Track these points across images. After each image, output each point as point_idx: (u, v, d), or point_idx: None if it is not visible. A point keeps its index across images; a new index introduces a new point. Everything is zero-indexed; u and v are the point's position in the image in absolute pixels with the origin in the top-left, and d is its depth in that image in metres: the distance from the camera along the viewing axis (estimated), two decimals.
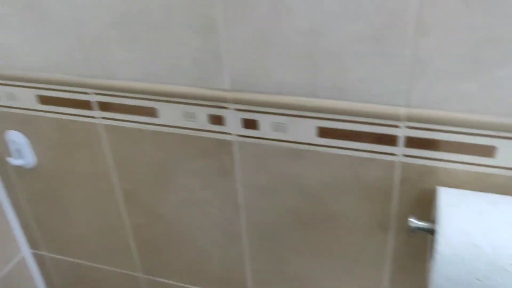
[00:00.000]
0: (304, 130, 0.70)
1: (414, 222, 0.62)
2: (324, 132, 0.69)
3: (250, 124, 0.73)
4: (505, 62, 0.55)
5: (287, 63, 0.65)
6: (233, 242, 0.89)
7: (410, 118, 0.63)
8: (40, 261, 1.15)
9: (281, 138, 0.73)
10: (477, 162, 0.63)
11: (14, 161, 0.94)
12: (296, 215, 0.80)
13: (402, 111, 0.63)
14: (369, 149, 0.68)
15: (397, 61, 0.59)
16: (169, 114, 0.77)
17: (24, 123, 0.90)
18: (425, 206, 0.69)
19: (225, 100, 0.72)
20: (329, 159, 0.71)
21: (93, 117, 0.83)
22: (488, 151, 0.62)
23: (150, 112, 0.79)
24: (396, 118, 0.64)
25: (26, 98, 0.85)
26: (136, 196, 0.91)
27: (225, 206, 0.85)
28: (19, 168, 0.98)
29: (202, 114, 0.75)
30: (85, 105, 0.82)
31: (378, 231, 0.76)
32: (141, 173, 0.87)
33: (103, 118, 0.83)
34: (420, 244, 0.74)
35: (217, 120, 0.75)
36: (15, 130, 0.91)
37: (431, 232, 0.61)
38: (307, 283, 0.88)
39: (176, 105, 0.76)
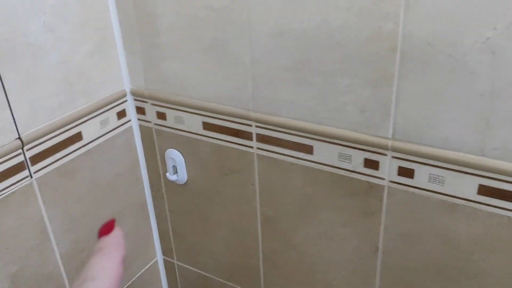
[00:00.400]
0: (464, 186, 0.70)
1: None
2: (485, 190, 0.68)
3: (405, 172, 0.74)
4: None
5: (458, 121, 0.66)
6: (364, 283, 0.89)
7: None
8: (170, 268, 1.23)
9: (437, 190, 0.73)
10: None
11: (170, 176, 1.03)
12: (438, 266, 0.79)
13: None
14: None
15: None
16: (324, 153, 0.81)
17: (185, 144, 0.98)
18: None
19: (385, 148, 0.74)
20: (486, 217, 0.70)
21: (250, 146, 0.89)
22: None
23: (306, 149, 0.82)
24: None
25: (193, 123, 0.94)
26: (275, 223, 0.95)
27: (363, 246, 0.86)
28: (170, 182, 1.07)
29: (358, 157, 0.77)
30: (245, 135, 0.88)
31: None
32: (285, 203, 0.91)
33: (259, 148, 0.88)
34: None
35: (372, 164, 0.77)
36: (175, 149, 1.00)
37: None
38: None
39: (333, 145, 0.79)
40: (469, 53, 0.61)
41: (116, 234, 0.29)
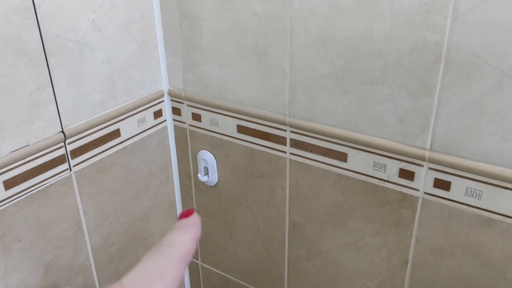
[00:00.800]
0: (503, 201, 0.68)
1: None
2: None
3: (441, 184, 0.73)
4: None
5: (501, 134, 0.64)
6: None
7: None
8: (194, 269, 1.23)
9: (473, 204, 0.71)
10: None
11: (201, 177, 1.02)
12: (469, 283, 0.77)
13: None
14: None
15: None
16: (359, 161, 0.79)
17: (218, 146, 0.98)
18: None
19: (422, 158, 0.72)
20: None
21: (283, 151, 0.88)
22: None
23: (340, 157, 0.81)
24: None
25: (228, 125, 0.93)
26: (302, 230, 0.94)
27: (392, 258, 0.84)
28: (200, 183, 1.06)
29: (393, 167, 0.76)
30: (279, 140, 0.88)
31: None
32: (314, 210, 0.90)
33: (292, 154, 0.88)
34: None
35: (407, 174, 0.75)
36: (208, 150, 1.00)
37: None
38: None
39: (368, 154, 0.78)
40: None
41: (195, 217, 0.31)
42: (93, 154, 0.86)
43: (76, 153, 0.82)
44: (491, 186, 0.68)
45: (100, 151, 0.87)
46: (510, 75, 0.60)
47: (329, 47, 0.74)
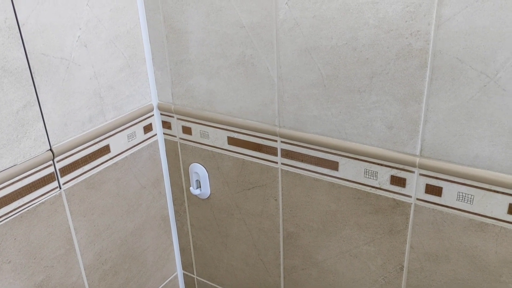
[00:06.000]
0: (494, 205, 0.67)
1: None
2: None
3: (433, 190, 0.72)
4: None
5: (489, 139, 0.64)
6: None
7: None
8: (189, 283, 1.21)
9: (465, 209, 0.70)
10: None
11: (193, 190, 1.01)
12: (465, 287, 0.76)
13: None
14: None
15: None
16: (350, 170, 0.79)
17: (209, 159, 0.97)
18: None
19: (413, 165, 0.72)
20: None
21: (274, 162, 0.88)
22: None
23: (331, 165, 0.81)
24: None
25: (218, 138, 0.93)
26: (297, 239, 0.93)
27: (387, 265, 0.83)
28: (193, 197, 1.05)
29: (384, 174, 0.76)
30: (270, 150, 0.87)
31: None
32: (308, 219, 0.89)
33: (283, 164, 0.87)
34: None
35: (398, 181, 0.75)
36: (199, 163, 0.99)
37: None
38: None
39: (359, 162, 0.77)
40: (502, 70, 0.59)
41: None
42: (83, 171, 0.84)
43: (65, 170, 0.81)
44: (482, 190, 0.68)
45: (90, 167, 0.86)
46: (495, 79, 0.60)
47: (315, 56, 0.74)
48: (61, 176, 0.81)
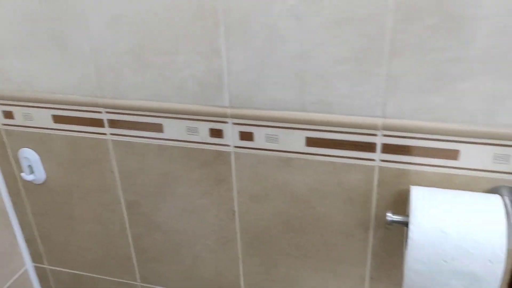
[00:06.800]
0: (294, 140, 0.76)
1: (391, 216, 0.69)
2: (311, 142, 0.75)
3: (246, 136, 0.79)
4: (464, 78, 0.63)
5: (280, 82, 0.72)
6: (227, 247, 0.93)
7: (386, 128, 0.70)
8: (42, 275, 1.15)
9: (273, 148, 0.78)
10: (443, 164, 0.70)
11: (26, 176, 0.96)
12: (285, 219, 0.85)
13: (379, 121, 0.70)
14: (350, 155, 0.74)
15: (374, 79, 0.67)
16: (174, 129, 0.82)
17: (38, 141, 0.93)
18: (401, 205, 0.75)
19: (225, 116, 0.78)
20: (316, 166, 0.77)
21: (103, 133, 0.88)
22: (453, 154, 0.69)
23: (156, 128, 0.83)
24: (374, 127, 0.70)
25: (42, 118, 0.89)
26: (138, 207, 0.95)
27: (221, 213, 0.89)
28: (28, 183, 1.00)
29: (203, 128, 0.81)
30: (97, 123, 0.87)
31: (359, 230, 0.81)
32: (144, 185, 0.91)
33: (112, 134, 0.87)
34: (396, 241, 0.79)
35: (217, 133, 0.80)
36: (29, 147, 0.94)
37: (406, 224, 0.67)
38: (295, 284, 0.92)
39: (180, 121, 0.81)
40: (279, 20, 0.67)
41: None
42: None
43: None
44: (283, 129, 0.76)
45: None
46: (275, 29, 0.68)
47: (123, 25, 0.75)
48: None
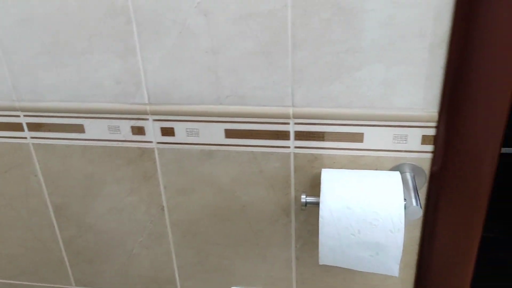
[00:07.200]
0: (214, 133, 0.79)
1: (305, 198, 0.73)
2: (230, 133, 0.78)
3: (167, 131, 0.81)
4: (360, 67, 0.68)
5: (195, 77, 0.74)
6: (160, 242, 0.94)
7: (296, 116, 0.74)
8: None
9: (195, 142, 0.81)
10: (351, 147, 0.75)
11: None
12: (213, 210, 0.88)
13: (290, 110, 0.74)
14: (268, 144, 0.78)
15: (282, 70, 0.71)
16: (95, 129, 0.83)
17: None
18: (316, 187, 0.80)
19: (145, 112, 0.79)
20: (236, 156, 0.80)
21: (23, 137, 0.86)
22: (358, 137, 0.74)
23: (77, 129, 0.83)
24: (286, 116, 0.75)
25: None
26: (66, 210, 0.94)
27: (150, 209, 0.90)
28: None
29: (125, 127, 0.81)
30: (15, 127, 0.85)
31: (282, 215, 0.85)
32: (71, 187, 0.91)
33: (33, 138, 0.86)
34: (315, 222, 0.84)
35: (139, 130, 0.81)
36: None
37: (318, 204, 0.72)
38: (227, 273, 0.95)
39: (101, 120, 0.82)
40: (188, 17, 0.69)
41: None
42: None
43: None
44: (203, 123, 0.78)
45: None
46: (186, 25, 0.70)
47: (34, 26, 0.74)
48: None
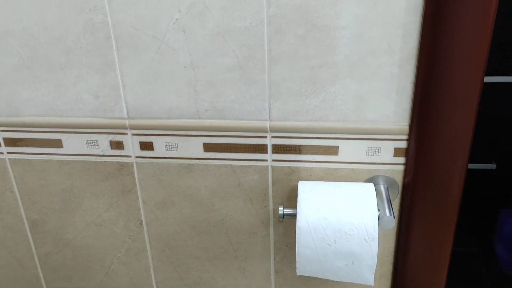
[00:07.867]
0: (192, 147, 0.80)
1: (282, 209, 0.74)
2: (209, 147, 0.79)
3: (146, 146, 0.81)
4: (333, 82, 0.70)
5: (174, 92, 0.75)
6: (138, 258, 0.93)
7: (273, 130, 0.76)
8: None
9: (173, 156, 0.81)
10: (326, 160, 0.77)
11: None
12: (192, 223, 0.88)
13: (267, 124, 0.75)
14: (246, 158, 0.79)
15: (259, 85, 0.72)
16: (73, 144, 0.82)
17: None
18: (294, 200, 0.81)
19: (124, 127, 0.79)
20: (215, 170, 0.81)
21: (0, 153, 0.85)
22: (333, 150, 0.76)
23: (55, 144, 0.83)
24: (263, 130, 0.76)
25: None
26: (43, 226, 0.92)
27: (129, 224, 0.90)
28: None
29: (104, 141, 0.81)
30: None
31: (261, 228, 0.86)
32: (48, 202, 0.90)
33: (9, 153, 0.85)
34: (294, 235, 0.85)
35: (117, 145, 0.82)
36: None
37: (295, 216, 0.73)
38: (207, 286, 0.95)
39: (79, 134, 0.81)
40: (167, 33, 0.71)
41: None
42: None
43: None
44: (182, 137, 0.79)
45: None
46: (165, 41, 0.71)
47: (11, 39, 0.74)
48: None
